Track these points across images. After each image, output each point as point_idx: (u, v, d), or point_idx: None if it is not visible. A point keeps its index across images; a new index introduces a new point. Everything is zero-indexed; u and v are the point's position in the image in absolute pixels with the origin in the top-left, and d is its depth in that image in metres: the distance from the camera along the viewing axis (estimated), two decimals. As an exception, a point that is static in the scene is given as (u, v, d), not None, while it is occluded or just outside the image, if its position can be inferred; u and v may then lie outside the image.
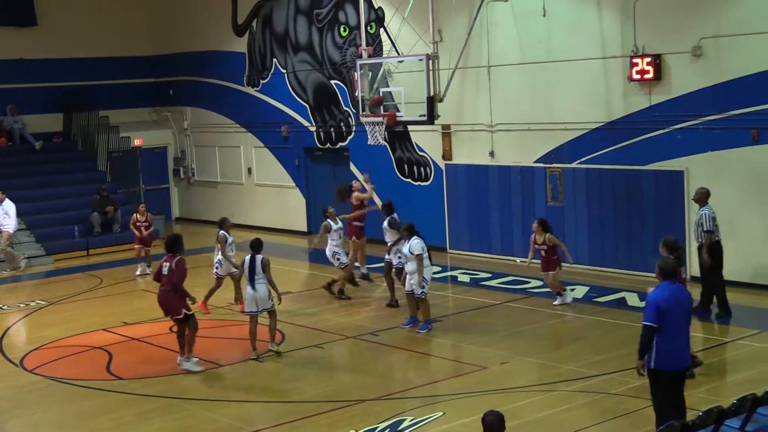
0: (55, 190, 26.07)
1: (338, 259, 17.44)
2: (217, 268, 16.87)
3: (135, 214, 21.61)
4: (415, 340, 14.55)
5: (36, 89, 27.92)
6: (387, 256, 16.65)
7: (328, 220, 17.39)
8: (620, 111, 18.16)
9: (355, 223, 18.18)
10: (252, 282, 13.76)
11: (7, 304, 18.88)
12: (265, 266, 13.77)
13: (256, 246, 13.97)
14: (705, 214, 14.81)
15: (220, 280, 16.94)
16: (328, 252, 17.49)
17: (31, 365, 14.27)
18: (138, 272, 21.10)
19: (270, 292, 13.95)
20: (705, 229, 14.75)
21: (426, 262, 14.90)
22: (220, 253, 16.68)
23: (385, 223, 16.67)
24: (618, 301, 16.22)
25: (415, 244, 14.80)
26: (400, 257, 15.89)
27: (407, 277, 15.01)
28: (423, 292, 14.88)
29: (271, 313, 14.00)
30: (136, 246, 21.34)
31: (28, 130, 27.26)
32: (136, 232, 21.23)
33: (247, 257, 13.92)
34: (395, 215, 16.75)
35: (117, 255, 23.80)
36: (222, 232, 16.68)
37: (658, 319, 9.24)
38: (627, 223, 18.26)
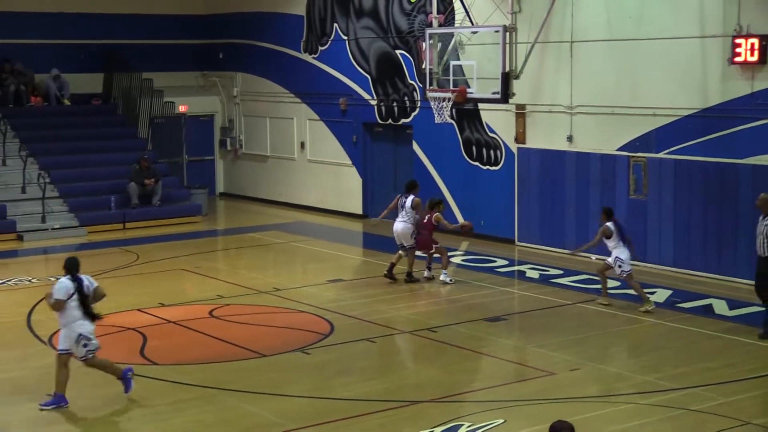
0: (91, 157, 26.45)
1: (414, 237, 18.02)
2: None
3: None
4: (476, 339, 14.60)
5: (75, 46, 28.41)
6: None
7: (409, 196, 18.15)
8: (717, 97, 17.98)
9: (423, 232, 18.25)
10: None
11: (37, 277, 19.26)
12: None
13: None
14: None
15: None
16: (401, 229, 18.02)
17: (60, 344, 14.52)
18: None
19: None
20: None
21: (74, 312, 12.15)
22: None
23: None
24: (704, 308, 16.08)
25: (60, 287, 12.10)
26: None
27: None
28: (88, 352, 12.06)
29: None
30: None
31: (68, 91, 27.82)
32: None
33: None
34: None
35: (155, 230, 24.20)
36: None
37: None
38: (718, 223, 18.09)
